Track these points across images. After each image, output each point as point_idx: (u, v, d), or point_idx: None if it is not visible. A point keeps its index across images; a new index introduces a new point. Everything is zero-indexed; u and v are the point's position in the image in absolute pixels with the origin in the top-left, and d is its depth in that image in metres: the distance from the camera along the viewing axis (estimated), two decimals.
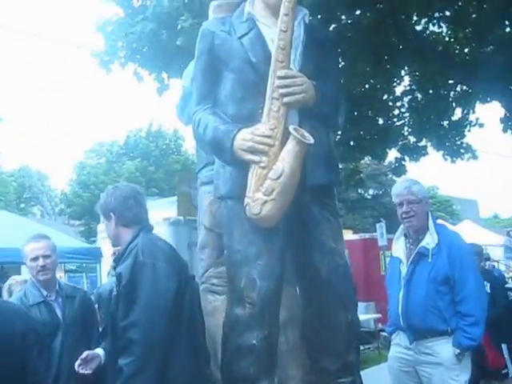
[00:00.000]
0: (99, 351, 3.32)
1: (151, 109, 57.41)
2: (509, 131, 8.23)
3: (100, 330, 4.03)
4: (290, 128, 2.17)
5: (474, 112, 8.54)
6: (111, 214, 2.59)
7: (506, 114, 8.13)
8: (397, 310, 3.42)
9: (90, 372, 3.10)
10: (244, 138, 2.19)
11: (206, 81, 2.41)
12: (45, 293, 3.43)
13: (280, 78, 2.21)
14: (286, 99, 2.21)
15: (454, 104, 8.26)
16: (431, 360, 3.31)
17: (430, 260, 3.33)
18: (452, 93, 8.17)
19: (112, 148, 27.91)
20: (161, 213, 8.76)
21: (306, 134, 2.17)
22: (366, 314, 10.43)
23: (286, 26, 2.22)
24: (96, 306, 4.01)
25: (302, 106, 2.26)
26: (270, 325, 2.31)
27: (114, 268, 2.75)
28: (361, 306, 8.80)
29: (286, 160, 2.15)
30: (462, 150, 8.79)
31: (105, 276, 7.89)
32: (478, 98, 8.08)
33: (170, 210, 8.81)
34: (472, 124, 8.54)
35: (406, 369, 3.41)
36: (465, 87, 7.97)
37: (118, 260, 2.52)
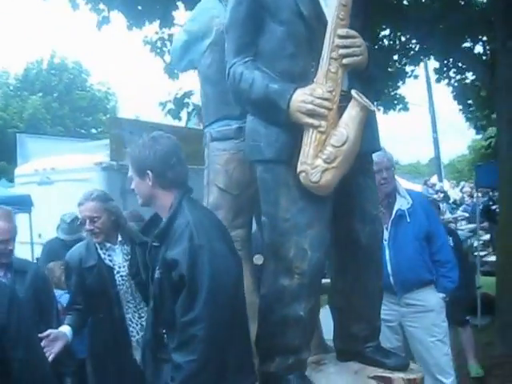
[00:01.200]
0: (65, 329, 3.13)
1: (51, 39, 53.12)
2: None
3: (61, 305, 3.76)
4: (354, 92, 2.04)
5: (417, 66, 8.67)
6: (148, 171, 2.17)
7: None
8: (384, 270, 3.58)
9: (53, 356, 2.88)
10: (304, 99, 2.02)
11: (248, 31, 2.18)
12: None
13: (341, 37, 2.05)
14: (345, 60, 2.06)
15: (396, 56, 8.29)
16: (420, 309, 3.51)
17: (408, 220, 3.55)
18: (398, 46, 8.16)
19: (6, 79, 25.68)
20: (90, 157, 8.28)
21: (366, 99, 2.05)
22: None
23: None
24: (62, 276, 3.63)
25: (356, 69, 2.13)
26: (315, 295, 2.26)
27: (147, 249, 2.32)
28: None
29: (350, 126, 2.02)
30: (395, 102, 8.98)
31: (36, 228, 7.28)
32: (425, 53, 8.17)
33: (100, 155, 8.33)
34: (408, 75, 8.69)
35: (389, 324, 3.52)
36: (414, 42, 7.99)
37: (161, 237, 2.16)
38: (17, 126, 20.88)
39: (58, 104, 24.47)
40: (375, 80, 2.26)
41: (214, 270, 2.01)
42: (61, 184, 7.75)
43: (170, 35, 7.63)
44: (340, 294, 2.44)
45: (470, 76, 9.08)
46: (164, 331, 2.16)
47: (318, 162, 2.03)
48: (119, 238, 3.33)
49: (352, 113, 2.03)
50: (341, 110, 2.07)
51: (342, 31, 2.05)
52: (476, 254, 7.90)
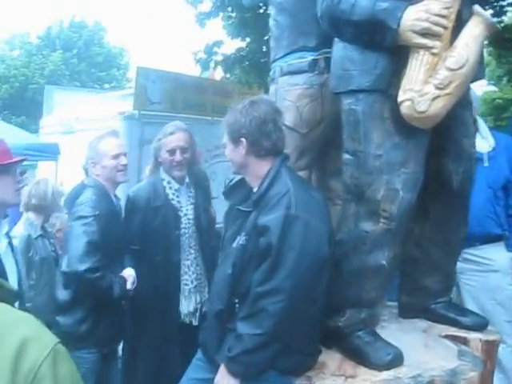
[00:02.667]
0: (130, 272, 2.92)
1: (73, 2, 52.45)
2: None
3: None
4: (477, 8, 1.76)
5: None
6: (242, 139, 2.01)
7: None
8: None
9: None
10: (418, 17, 1.75)
11: None
12: None
13: None
14: None
15: None
16: (483, 268, 3.12)
17: (486, 164, 3.11)
18: None
19: (29, 39, 25.65)
20: (113, 106, 8.12)
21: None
22: None
23: None
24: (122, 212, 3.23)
25: None
26: (400, 243, 2.01)
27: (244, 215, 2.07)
28: None
29: (471, 46, 1.75)
30: None
31: (61, 176, 7.12)
32: None
33: (123, 104, 8.15)
34: None
35: None
36: None
37: (256, 203, 1.96)
38: (38, 82, 20.80)
39: (76, 60, 24.33)
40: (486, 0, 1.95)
41: (304, 245, 1.82)
42: (84, 133, 7.58)
43: None
44: (416, 243, 2.20)
45: None
46: (237, 301, 1.94)
47: (428, 88, 1.76)
48: (186, 180, 3.12)
49: (475, 31, 1.75)
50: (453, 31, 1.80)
51: None
52: None
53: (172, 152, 3.04)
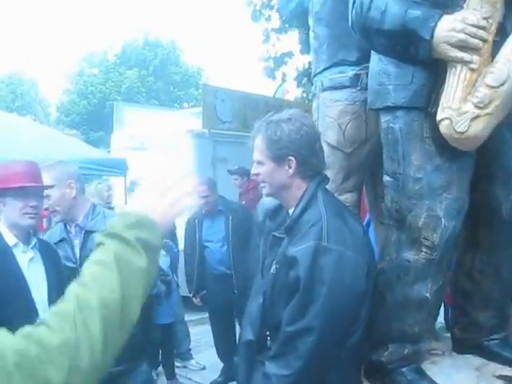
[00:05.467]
0: None
1: (146, 19, 54.57)
2: None
3: None
4: None
5: None
6: (291, 158, 1.80)
7: None
8: None
9: None
10: (453, 27, 1.60)
11: None
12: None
13: None
14: None
15: None
16: None
17: None
18: None
19: (106, 57, 26.86)
20: (183, 124, 8.28)
21: None
22: None
23: None
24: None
25: None
26: (445, 274, 1.86)
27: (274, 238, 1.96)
28: None
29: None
30: None
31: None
32: None
33: (193, 122, 8.30)
34: None
35: None
36: None
37: (289, 230, 1.80)
38: (115, 98, 21.86)
39: (153, 78, 25.18)
40: None
41: (337, 280, 1.66)
42: (154, 150, 7.76)
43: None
44: (467, 275, 2.03)
45: None
46: (268, 333, 1.85)
47: (467, 106, 1.61)
48: None
49: None
50: (494, 46, 1.64)
51: None
52: None
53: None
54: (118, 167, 6.93)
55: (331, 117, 2.30)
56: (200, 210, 4.80)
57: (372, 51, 1.94)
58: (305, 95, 9.39)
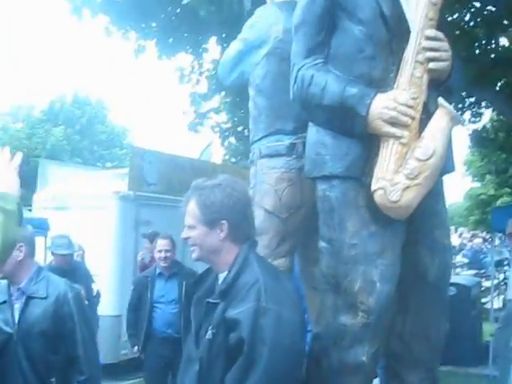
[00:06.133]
0: None
1: (76, 76, 54.31)
2: None
3: None
4: (442, 100, 1.77)
5: None
6: (223, 221, 1.85)
7: None
8: None
9: None
10: (386, 105, 1.75)
11: (320, 30, 1.94)
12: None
13: (429, 38, 1.81)
14: (432, 65, 1.81)
15: None
16: None
17: None
18: None
19: (32, 112, 26.32)
20: (108, 185, 8.18)
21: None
22: None
23: None
24: None
25: (439, 76, 1.87)
26: (381, 337, 1.92)
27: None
28: None
29: (437, 138, 1.74)
30: None
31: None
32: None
33: (118, 183, 8.22)
34: None
35: None
36: None
37: (224, 294, 1.82)
38: (39, 155, 21.29)
39: (79, 137, 24.84)
40: (453, 93, 1.97)
41: (277, 340, 1.69)
42: (77, 210, 7.60)
43: (200, 64, 7.69)
44: (397, 337, 2.09)
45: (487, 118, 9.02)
46: None
47: (399, 177, 1.74)
48: None
49: (440, 123, 1.75)
50: (420, 122, 1.80)
51: (431, 32, 1.81)
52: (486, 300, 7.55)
53: None
54: (40, 227, 6.72)
55: (268, 183, 2.37)
56: (153, 270, 4.81)
57: (310, 123, 2.05)
58: (227, 157, 9.62)
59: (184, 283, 4.60)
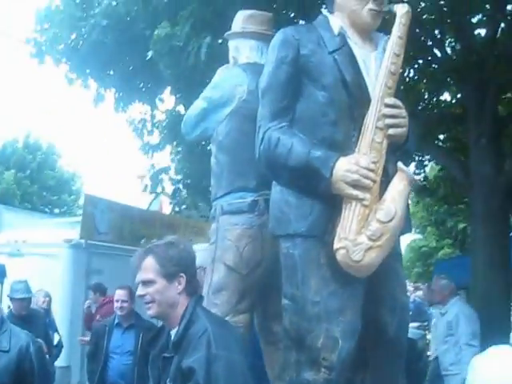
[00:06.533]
0: None
1: (28, 120, 53.45)
2: None
3: None
4: (400, 164, 1.88)
5: None
6: (182, 274, 1.98)
7: None
8: None
9: None
10: (349, 168, 1.84)
11: (286, 95, 2.03)
12: None
13: (388, 105, 1.93)
14: (391, 131, 1.93)
15: None
16: None
17: None
18: None
19: None
20: (61, 233, 8.10)
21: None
22: None
23: (399, 50, 1.98)
24: None
25: (397, 141, 1.99)
26: None
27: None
28: None
29: (397, 201, 1.84)
30: None
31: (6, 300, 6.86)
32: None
33: (71, 231, 8.12)
34: None
35: None
36: None
37: (177, 346, 1.92)
38: None
39: (28, 181, 24.34)
40: (410, 156, 2.09)
41: (229, 383, 1.80)
42: (30, 257, 7.50)
43: (153, 116, 7.81)
44: None
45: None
46: None
47: (361, 238, 1.82)
48: None
49: (399, 186, 1.86)
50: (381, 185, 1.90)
51: (390, 100, 1.93)
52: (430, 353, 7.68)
53: None
54: None
55: (230, 239, 2.41)
56: (112, 319, 4.75)
57: (274, 182, 2.12)
58: (177, 209, 9.69)
59: (141, 336, 4.54)
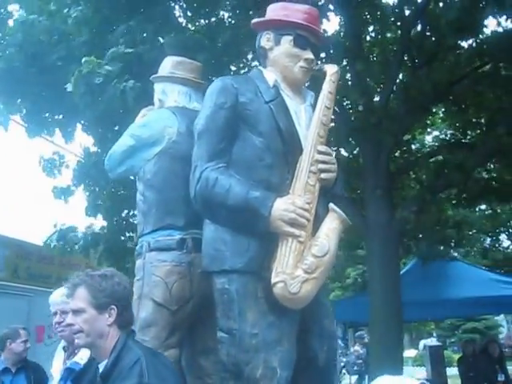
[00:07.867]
0: None
1: None
2: None
3: None
4: (333, 205, 2.08)
5: None
6: (113, 306, 2.03)
7: None
8: None
9: None
10: (286, 208, 2.00)
11: (223, 138, 2.16)
12: None
13: (321, 152, 2.14)
14: (323, 175, 2.13)
15: None
16: None
17: None
18: None
19: None
20: None
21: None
22: None
23: (330, 104, 2.20)
24: None
25: (327, 184, 2.19)
26: None
27: None
28: None
29: (331, 238, 2.02)
30: None
31: None
32: None
33: None
34: None
35: None
36: None
37: (106, 377, 1.94)
38: None
39: None
40: (337, 199, 2.30)
41: None
42: None
43: (62, 156, 7.59)
44: None
45: None
46: None
47: (298, 272, 1.96)
48: None
49: (332, 225, 2.04)
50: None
51: (322, 147, 2.15)
52: None
53: None
54: None
55: (158, 276, 2.43)
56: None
57: (206, 220, 2.21)
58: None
59: (32, 377, 4.49)
